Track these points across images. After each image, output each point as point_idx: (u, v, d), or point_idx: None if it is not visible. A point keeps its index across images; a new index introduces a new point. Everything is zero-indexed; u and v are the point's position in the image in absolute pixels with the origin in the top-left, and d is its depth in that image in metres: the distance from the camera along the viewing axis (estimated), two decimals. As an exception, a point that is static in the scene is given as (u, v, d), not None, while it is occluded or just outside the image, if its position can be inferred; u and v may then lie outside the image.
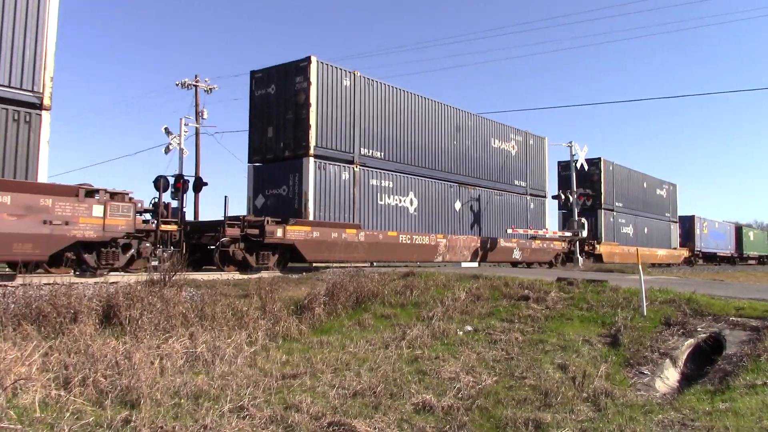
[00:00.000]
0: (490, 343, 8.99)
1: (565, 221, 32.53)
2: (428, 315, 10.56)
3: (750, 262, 63.23)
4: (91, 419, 5.39)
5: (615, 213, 34.69)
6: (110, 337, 7.86)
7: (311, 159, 17.19)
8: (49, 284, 9.02)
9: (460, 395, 6.71)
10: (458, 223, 22.77)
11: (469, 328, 9.91)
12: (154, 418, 5.48)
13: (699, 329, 9.11)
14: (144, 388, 6.06)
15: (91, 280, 10.86)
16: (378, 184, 19.33)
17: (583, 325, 9.78)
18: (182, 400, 6.09)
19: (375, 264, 20.64)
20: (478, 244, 23.18)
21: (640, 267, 10.67)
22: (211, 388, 6.46)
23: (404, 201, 20.35)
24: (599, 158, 33.35)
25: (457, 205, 22.83)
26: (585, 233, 29.63)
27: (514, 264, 25.57)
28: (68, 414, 5.44)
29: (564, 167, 33.99)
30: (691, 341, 8.81)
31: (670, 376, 8.05)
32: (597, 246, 31.41)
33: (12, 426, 5.05)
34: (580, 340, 8.93)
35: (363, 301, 11.52)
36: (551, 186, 30.42)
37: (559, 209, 33.70)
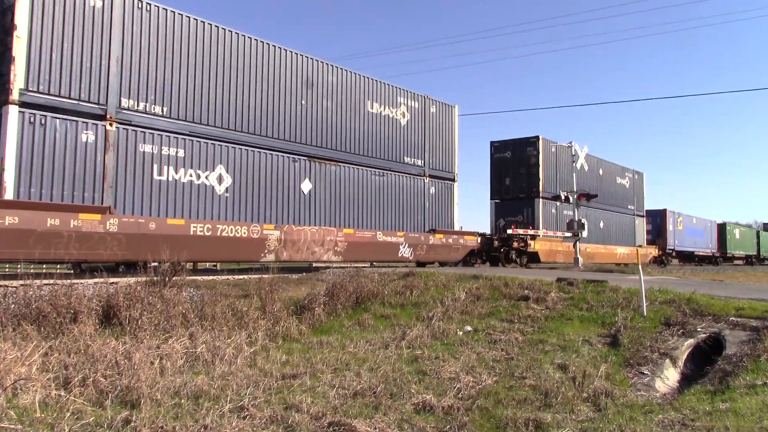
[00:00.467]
0: (490, 344, 9.00)
1: (499, 211, 28.50)
2: (428, 315, 10.57)
3: (736, 262, 56.88)
4: (91, 419, 5.40)
5: (559, 203, 28.83)
6: (110, 337, 7.87)
7: (13, 108, 11.63)
8: (49, 284, 9.03)
9: (460, 395, 6.72)
10: (307, 211, 16.94)
11: (469, 328, 9.92)
12: (155, 418, 5.49)
13: (699, 329, 9.12)
14: (144, 388, 6.07)
15: (91, 281, 10.86)
16: (156, 152, 13.69)
17: (583, 325, 9.79)
18: (182, 400, 6.10)
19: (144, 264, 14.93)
20: (341, 238, 17.48)
21: (640, 267, 10.68)
22: (211, 388, 6.47)
23: (208, 177, 14.63)
24: (537, 137, 27.82)
25: (306, 186, 16.90)
26: (585, 233, 29.12)
27: (404, 263, 20.05)
28: (68, 414, 5.45)
29: (498, 148, 29.19)
30: (691, 341, 8.82)
31: (670, 376, 8.06)
32: (531, 242, 25.46)
33: (12, 426, 5.05)
34: (580, 340, 8.94)
35: (363, 301, 11.55)
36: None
37: (491, 198, 29.20)
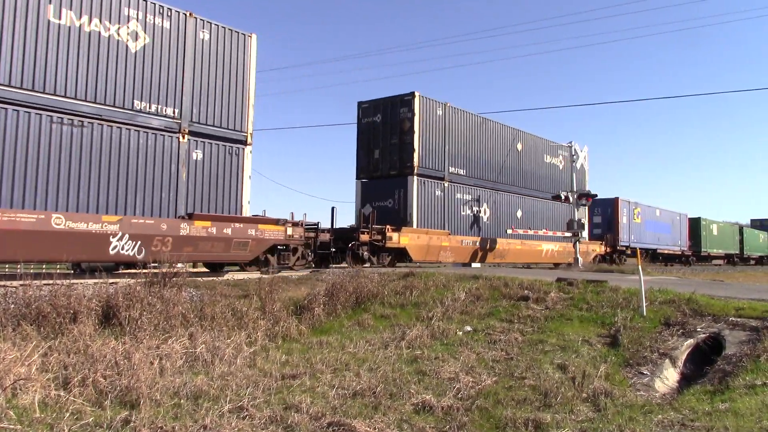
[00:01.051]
0: (490, 344, 9.01)
1: (366, 194, 21.72)
2: (428, 315, 10.57)
3: (715, 262, 49.98)
4: (90, 419, 5.40)
5: (447, 184, 21.79)
6: (110, 337, 7.86)
7: None
8: (48, 284, 9.04)
9: (459, 395, 6.72)
10: None
11: (468, 328, 9.92)
12: (154, 419, 5.49)
13: (698, 329, 9.13)
14: (143, 388, 6.07)
15: (91, 281, 10.86)
16: None
17: (583, 325, 9.80)
18: (182, 401, 6.10)
19: None
20: None
21: (640, 268, 10.68)
22: (211, 389, 6.47)
23: None
24: (412, 94, 20.63)
25: None
26: (585, 233, 28.76)
27: (119, 266, 14.41)
28: (68, 414, 5.45)
29: (366, 110, 22.05)
30: (690, 341, 8.83)
31: (669, 377, 8.07)
32: (393, 235, 18.99)
33: (12, 426, 5.05)
34: (580, 340, 8.95)
35: (363, 302, 11.55)
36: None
37: (357, 177, 22.09)
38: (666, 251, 42.01)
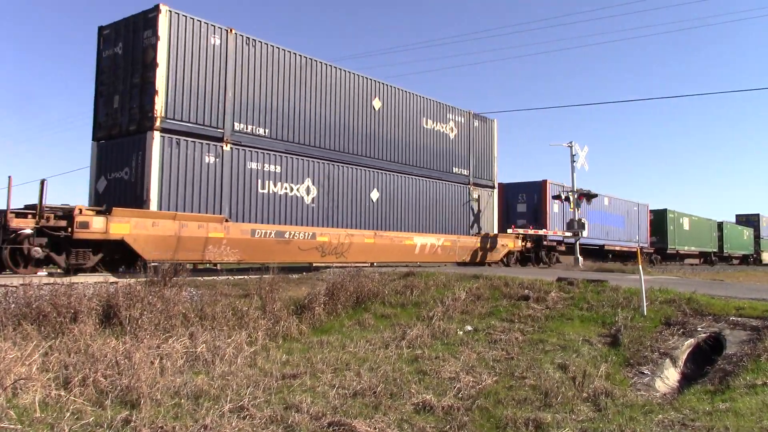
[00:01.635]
0: (491, 343, 9.00)
1: (102, 161, 14.23)
2: (428, 315, 10.57)
3: (688, 261, 43.73)
4: (91, 419, 5.39)
5: (230, 147, 14.51)
6: (110, 336, 7.86)
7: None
8: (49, 284, 9.03)
9: (460, 395, 6.71)
10: None
11: (469, 327, 9.92)
12: (154, 418, 5.49)
13: (699, 329, 9.13)
14: (144, 388, 6.07)
15: (92, 280, 10.85)
16: None
17: (584, 324, 9.79)
18: (182, 400, 6.09)
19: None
20: None
21: (640, 267, 10.68)
22: (211, 388, 6.47)
23: None
24: (156, 8, 13.39)
25: None
26: (585, 233, 28.62)
27: None
28: (68, 414, 5.44)
29: (108, 38, 14.58)
30: (691, 341, 8.83)
31: (670, 376, 8.06)
32: (94, 219, 11.72)
33: (12, 426, 5.05)
34: (581, 339, 8.95)
35: (363, 301, 11.54)
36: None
37: (94, 137, 14.68)
38: (617, 248, 34.12)
